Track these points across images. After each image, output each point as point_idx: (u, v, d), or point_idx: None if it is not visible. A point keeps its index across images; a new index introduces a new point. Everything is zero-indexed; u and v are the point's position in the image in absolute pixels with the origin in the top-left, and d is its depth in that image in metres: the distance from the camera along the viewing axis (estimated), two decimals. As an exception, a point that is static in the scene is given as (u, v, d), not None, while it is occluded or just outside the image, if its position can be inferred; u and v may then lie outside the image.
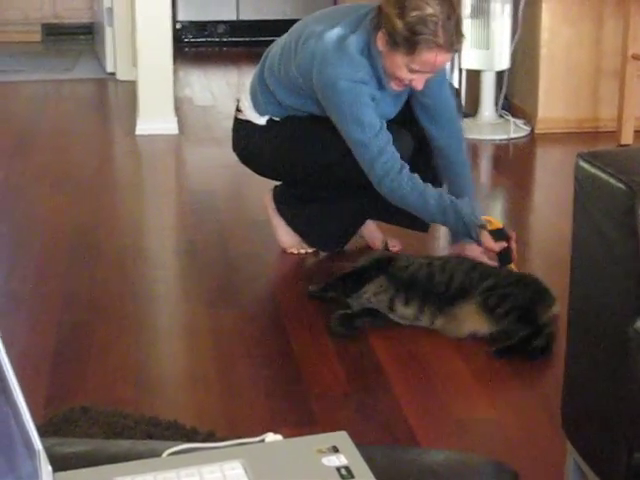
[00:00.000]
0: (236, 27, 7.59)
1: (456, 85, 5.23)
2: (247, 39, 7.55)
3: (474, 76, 5.22)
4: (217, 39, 7.59)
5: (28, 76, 6.59)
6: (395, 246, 3.42)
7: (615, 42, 4.85)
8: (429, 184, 2.98)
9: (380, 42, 2.92)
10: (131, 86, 5.78)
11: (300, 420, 2.35)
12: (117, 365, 2.64)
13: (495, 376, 2.63)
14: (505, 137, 4.92)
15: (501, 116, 5.08)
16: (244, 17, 7.58)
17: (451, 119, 3.21)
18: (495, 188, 4.39)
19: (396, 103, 3.14)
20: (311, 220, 3.36)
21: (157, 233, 3.82)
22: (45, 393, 2.46)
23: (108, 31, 6.40)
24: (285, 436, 1.20)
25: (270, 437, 1.19)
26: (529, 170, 4.76)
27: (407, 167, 2.96)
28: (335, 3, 7.36)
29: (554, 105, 5.01)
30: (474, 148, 4.70)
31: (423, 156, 3.20)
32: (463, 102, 5.06)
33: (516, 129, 4.97)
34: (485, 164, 4.55)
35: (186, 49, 7.46)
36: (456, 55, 4.99)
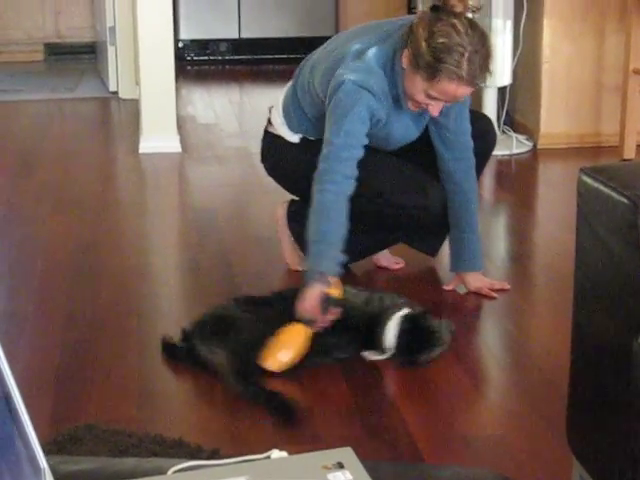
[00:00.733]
0: (238, 45, 7.60)
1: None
2: (249, 57, 7.56)
3: (476, 92, 5.22)
4: (219, 57, 7.60)
5: (31, 95, 6.59)
6: (399, 263, 3.42)
7: (616, 57, 4.86)
8: (346, 223, 2.78)
9: (405, 60, 2.82)
10: (134, 105, 5.80)
11: (305, 437, 2.35)
12: (121, 383, 2.64)
13: (500, 392, 2.62)
14: (507, 153, 4.92)
15: (503, 132, 5.08)
16: (246, 35, 7.59)
17: (464, 144, 3.13)
18: (498, 204, 4.39)
19: (417, 124, 3.05)
20: None
21: (160, 251, 3.82)
22: (50, 412, 2.46)
23: (110, 50, 6.41)
24: (290, 453, 1.20)
25: (276, 454, 1.19)
26: (532, 185, 4.76)
27: (348, 193, 2.79)
28: (337, 24, 7.36)
29: (556, 120, 5.02)
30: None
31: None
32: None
33: (518, 145, 4.98)
34: (488, 180, 4.55)
35: (188, 67, 7.47)
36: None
